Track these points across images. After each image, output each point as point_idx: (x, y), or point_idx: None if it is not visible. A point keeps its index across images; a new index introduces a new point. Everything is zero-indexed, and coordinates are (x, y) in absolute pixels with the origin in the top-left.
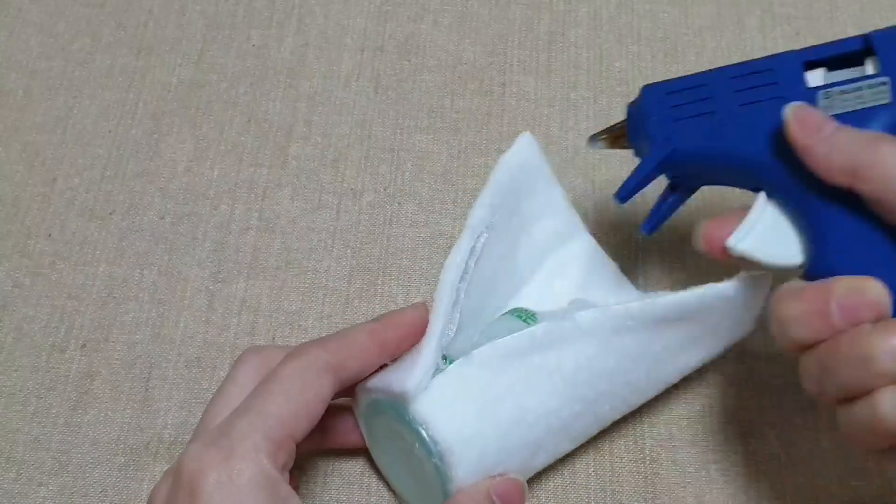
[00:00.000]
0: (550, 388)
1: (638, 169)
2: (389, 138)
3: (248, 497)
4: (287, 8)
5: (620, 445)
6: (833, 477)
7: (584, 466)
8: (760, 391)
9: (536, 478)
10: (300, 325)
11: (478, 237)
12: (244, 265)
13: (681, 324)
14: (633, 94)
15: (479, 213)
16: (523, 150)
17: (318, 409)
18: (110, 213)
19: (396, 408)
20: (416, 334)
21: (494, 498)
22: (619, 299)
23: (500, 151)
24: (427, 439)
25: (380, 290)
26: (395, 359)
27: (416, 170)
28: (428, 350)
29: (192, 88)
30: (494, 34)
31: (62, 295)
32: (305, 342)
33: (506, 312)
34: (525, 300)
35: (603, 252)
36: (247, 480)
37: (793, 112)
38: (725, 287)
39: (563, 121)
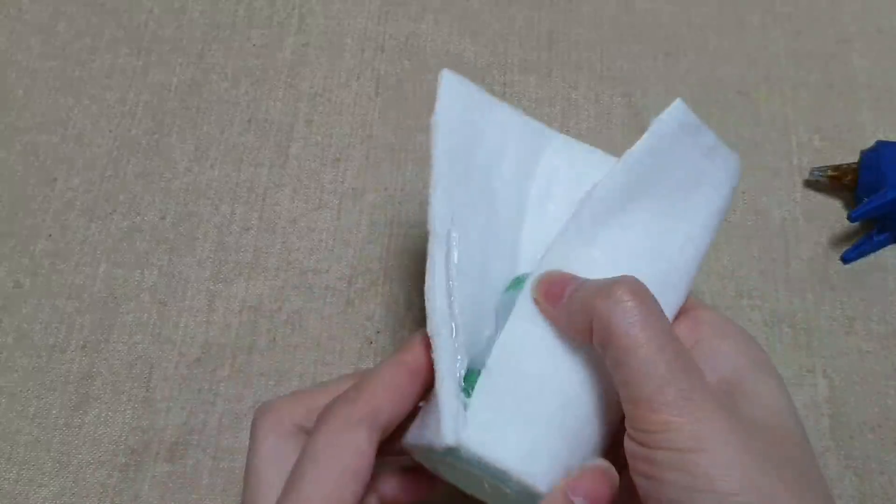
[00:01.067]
0: (575, 350)
1: (877, 197)
2: (390, 138)
3: None
4: (287, 7)
5: None
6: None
7: None
8: None
9: None
10: (301, 326)
11: (448, 236)
12: (245, 265)
13: (651, 186)
14: (634, 93)
15: (437, 210)
16: (452, 94)
17: (365, 470)
18: (111, 214)
19: (449, 453)
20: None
21: (574, 499)
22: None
23: None
24: (492, 474)
25: (381, 291)
26: (422, 406)
27: (417, 170)
28: (446, 396)
29: (192, 88)
30: (495, 33)
31: (62, 295)
32: (332, 402)
33: (509, 287)
34: (525, 254)
35: (580, 144)
36: None
37: (537, 287)
38: (665, 119)
39: (563, 120)
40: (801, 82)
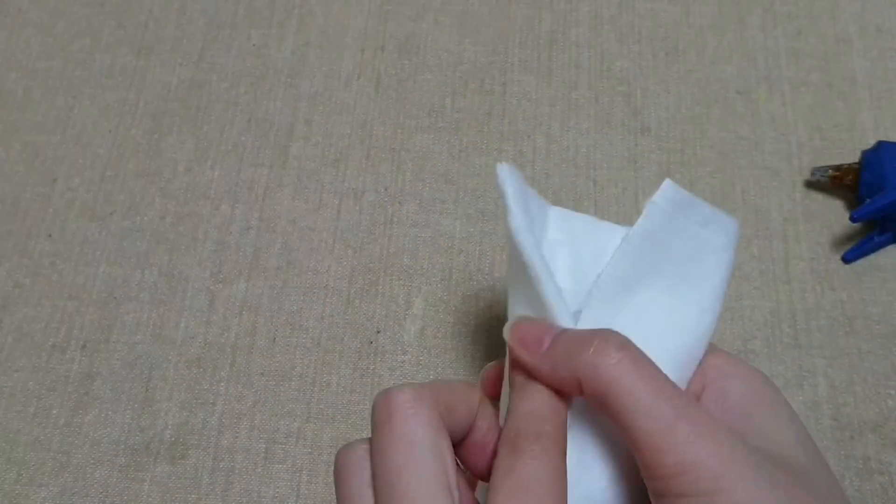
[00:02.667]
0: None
1: (879, 198)
2: (390, 138)
3: None
4: (287, 7)
5: None
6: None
7: None
8: None
9: None
10: (301, 326)
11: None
12: (245, 265)
13: (655, 266)
14: (635, 93)
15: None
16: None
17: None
18: (111, 214)
19: None
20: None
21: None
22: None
23: (501, 151)
24: None
25: (381, 290)
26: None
27: (416, 169)
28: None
29: (192, 88)
30: (495, 33)
31: (62, 295)
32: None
33: None
34: None
35: (572, 213)
36: None
37: (511, 333)
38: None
39: (563, 120)
40: (801, 82)
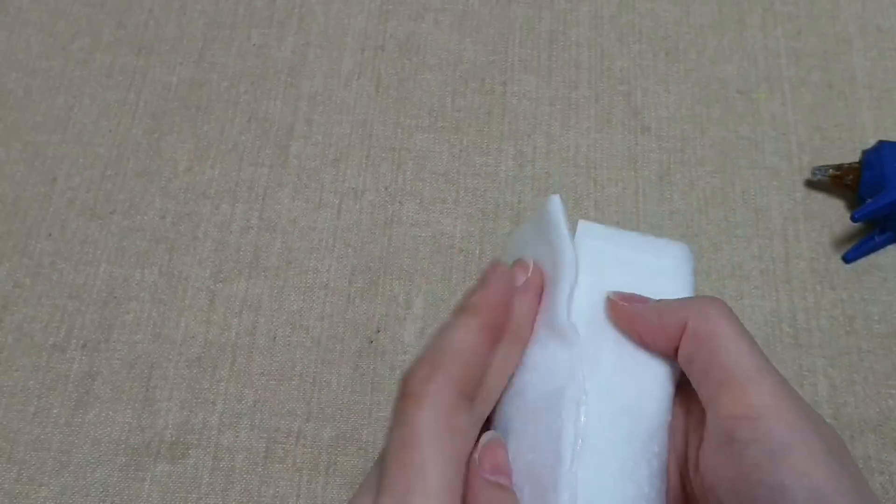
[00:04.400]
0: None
1: (880, 197)
2: (390, 137)
3: None
4: (288, 7)
5: None
6: None
7: None
8: None
9: None
10: (301, 325)
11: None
12: (245, 265)
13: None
14: (634, 92)
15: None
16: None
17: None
18: (111, 213)
19: None
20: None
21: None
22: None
23: (501, 151)
24: None
25: (381, 290)
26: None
27: (417, 169)
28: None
29: (192, 88)
30: (495, 33)
31: (63, 295)
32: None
33: None
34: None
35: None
36: None
37: (614, 294)
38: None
39: (564, 120)
40: (802, 82)
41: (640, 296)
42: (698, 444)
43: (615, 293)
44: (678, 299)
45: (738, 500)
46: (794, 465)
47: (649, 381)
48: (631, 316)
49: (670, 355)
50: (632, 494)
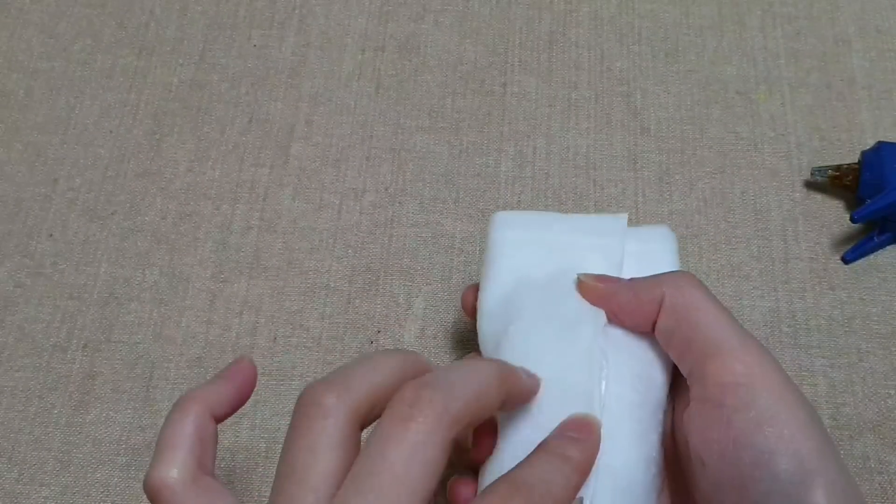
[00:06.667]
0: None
1: (879, 198)
2: (391, 138)
3: None
4: (288, 8)
5: None
6: None
7: None
8: None
9: None
10: (302, 325)
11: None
12: (246, 265)
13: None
14: (634, 93)
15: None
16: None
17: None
18: (112, 214)
19: None
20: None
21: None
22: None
23: (501, 151)
24: None
25: (381, 290)
26: None
27: (417, 170)
28: None
29: (193, 88)
30: (495, 34)
31: (64, 295)
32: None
33: None
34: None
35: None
36: None
37: (586, 277)
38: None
39: (563, 121)
40: (801, 83)
41: (609, 276)
42: (683, 409)
43: (585, 274)
44: (650, 276)
45: (723, 462)
46: (781, 432)
47: (656, 351)
48: (605, 295)
49: (647, 331)
50: (644, 456)
